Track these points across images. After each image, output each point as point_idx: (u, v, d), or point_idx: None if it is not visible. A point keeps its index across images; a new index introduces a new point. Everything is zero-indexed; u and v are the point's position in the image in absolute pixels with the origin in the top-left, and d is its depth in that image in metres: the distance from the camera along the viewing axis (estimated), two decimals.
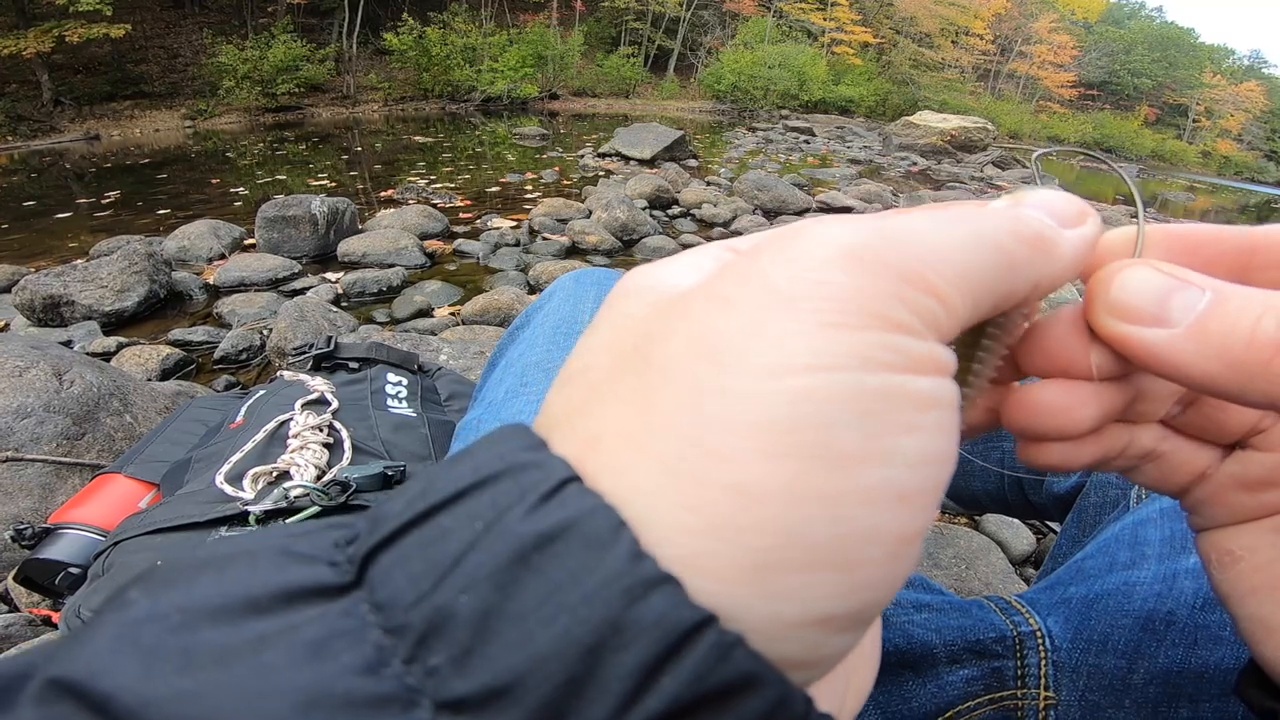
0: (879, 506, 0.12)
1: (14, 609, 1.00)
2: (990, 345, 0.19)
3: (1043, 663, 0.37)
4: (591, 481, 0.12)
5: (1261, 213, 11.86)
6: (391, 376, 1.03)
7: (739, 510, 0.11)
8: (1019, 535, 1.24)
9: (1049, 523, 1.29)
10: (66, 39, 11.77)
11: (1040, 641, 0.38)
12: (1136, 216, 0.21)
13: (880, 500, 0.12)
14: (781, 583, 0.11)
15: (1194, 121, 31.72)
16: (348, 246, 3.01)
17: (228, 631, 0.11)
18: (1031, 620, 0.39)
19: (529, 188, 5.00)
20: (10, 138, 11.02)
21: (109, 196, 4.97)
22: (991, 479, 0.66)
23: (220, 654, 0.10)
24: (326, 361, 1.05)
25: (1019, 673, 0.37)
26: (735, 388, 0.12)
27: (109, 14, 11.76)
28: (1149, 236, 0.19)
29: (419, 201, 4.15)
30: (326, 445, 0.81)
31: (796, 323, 0.13)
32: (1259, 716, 0.22)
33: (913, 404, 0.13)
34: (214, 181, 5.63)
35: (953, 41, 27.29)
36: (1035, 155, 0.21)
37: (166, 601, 0.11)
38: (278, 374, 1.03)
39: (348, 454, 0.80)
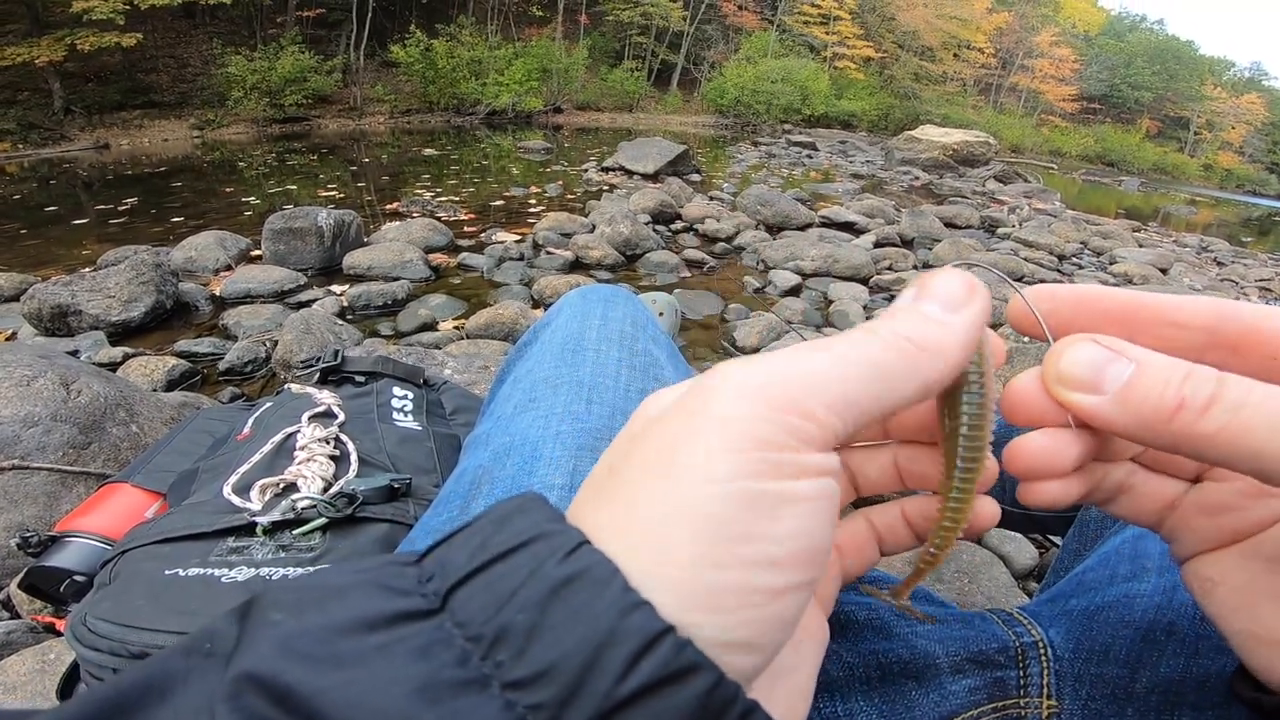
0: (760, 568, 0.18)
1: (15, 616, 1.00)
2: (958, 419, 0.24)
3: (1045, 672, 0.37)
4: (598, 544, 0.18)
5: (1264, 225, 11.85)
6: (397, 390, 1.04)
7: (679, 571, 0.17)
8: (1022, 549, 1.24)
9: (1051, 537, 1.28)
10: (78, 47, 11.81)
11: (1042, 652, 0.38)
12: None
13: (761, 564, 0.18)
14: (707, 612, 0.17)
15: (1195, 134, 31.72)
16: (353, 259, 3.04)
17: (359, 642, 0.16)
18: (1034, 631, 0.39)
19: (533, 201, 5.03)
20: (21, 145, 11.08)
21: (125, 204, 5.02)
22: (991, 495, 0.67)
23: (358, 657, 0.16)
24: (333, 375, 1.06)
25: (1021, 682, 0.37)
26: (676, 492, 0.18)
27: (121, 23, 11.78)
28: (1067, 295, 0.25)
29: (424, 214, 4.17)
30: (333, 458, 0.81)
31: (719, 447, 0.19)
32: (1247, 705, 0.26)
33: (781, 501, 0.19)
34: (226, 190, 5.68)
35: (955, 55, 27.41)
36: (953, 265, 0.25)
37: (309, 621, 0.17)
38: (284, 386, 1.04)
39: (354, 466, 0.81)
